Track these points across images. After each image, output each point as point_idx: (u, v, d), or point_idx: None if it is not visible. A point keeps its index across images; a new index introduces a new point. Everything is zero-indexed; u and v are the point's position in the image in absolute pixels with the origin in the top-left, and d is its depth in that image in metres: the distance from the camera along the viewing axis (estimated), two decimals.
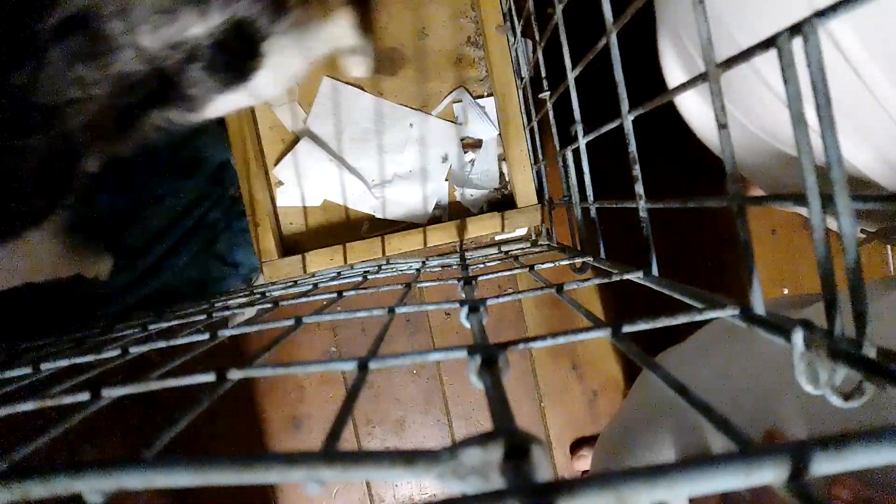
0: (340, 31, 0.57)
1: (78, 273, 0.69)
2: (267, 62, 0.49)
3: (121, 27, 0.40)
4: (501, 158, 0.67)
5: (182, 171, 0.71)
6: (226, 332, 0.27)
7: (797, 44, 0.18)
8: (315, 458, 0.12)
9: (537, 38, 0.49)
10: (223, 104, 0.51)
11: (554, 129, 0.48)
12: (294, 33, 0.50)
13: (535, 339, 0.20)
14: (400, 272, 0.54)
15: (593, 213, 0.42)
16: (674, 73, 0.55)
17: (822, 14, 0.17)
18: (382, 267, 0.58)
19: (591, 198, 0.41)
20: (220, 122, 0.63)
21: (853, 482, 0.33)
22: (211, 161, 0.71)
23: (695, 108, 0.56)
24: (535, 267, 0.36)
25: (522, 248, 0.64)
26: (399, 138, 0.67)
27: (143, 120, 0.48)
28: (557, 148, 0.48)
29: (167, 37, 0.42)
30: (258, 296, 0.52)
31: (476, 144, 0.68)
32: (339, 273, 0.57)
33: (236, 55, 0.47)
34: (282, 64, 0.52)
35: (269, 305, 0.37)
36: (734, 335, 0.56)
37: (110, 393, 0.20)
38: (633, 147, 0.31)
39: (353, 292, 0.37)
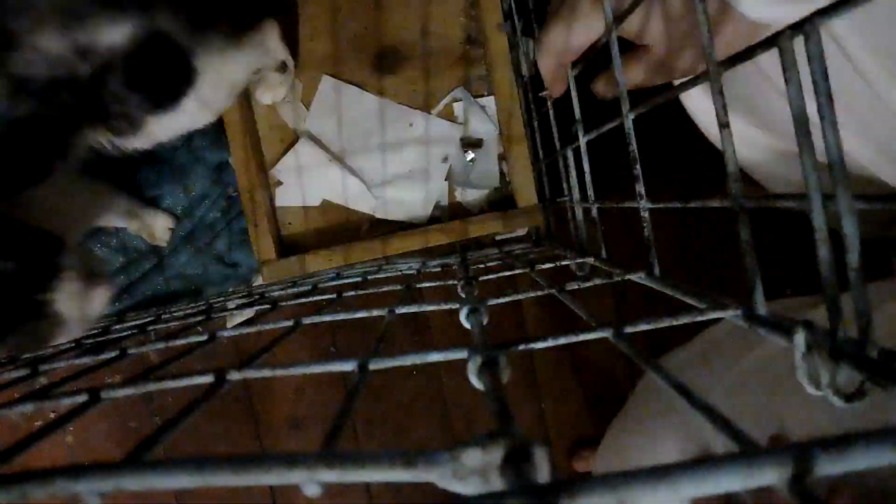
0: (271, 44, 0.56)
1: None
2: (201, 81, 0.47)
3: (22, 25, 0.37)
4: (502, 158, 0.67)
5: (180, 171, 0.71)
6: (224, 333, 0.27)
7: (798, 43, 0.18)
8: (314, 459, 0.12)
9: (538, 36, 0.49)
10: (166, 126, 0.49)
11: (554, 129, 0.48)
12: (226, 50, 0.49)
13: (535, 339, 0.20)
14: (400, 272, 0.54)
15: (594, 212, 0.42)
16: None
17: (823, 13, 0.17)
18: (382, 267, 0.58)
19: (591, 197, 0.41)
20: (219, 122, 0.63)
21: (851, 492, 0.33)
22: (209, 161, 0.71)
23: (700, 105, 0.56)
24: (536, 267, 0.36)
25: (523, 248, 0.64)
26: (399, 138, 0.67)
27: (76, 140, 0.45)
28: (558, 147, 0.48)
29: (74, 42, 0.39)
30: (257, 296, 0.52)
31: (476, 144, 0.68)
32: (338, 273, 0.57)
33: (162, 70, 0.45)
34: (216, 83, 0.50)
35: (267, 306, 0.37)
36: (738, 338, 0.56)
37: (108, 394, 0.20)
38: (633, 146, 0.30)
39: (352, 293, 0.37)
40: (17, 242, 0.44)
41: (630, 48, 0.36)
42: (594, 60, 0.38)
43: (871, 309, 0.17)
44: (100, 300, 0.49)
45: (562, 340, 0.20)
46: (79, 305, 0.46)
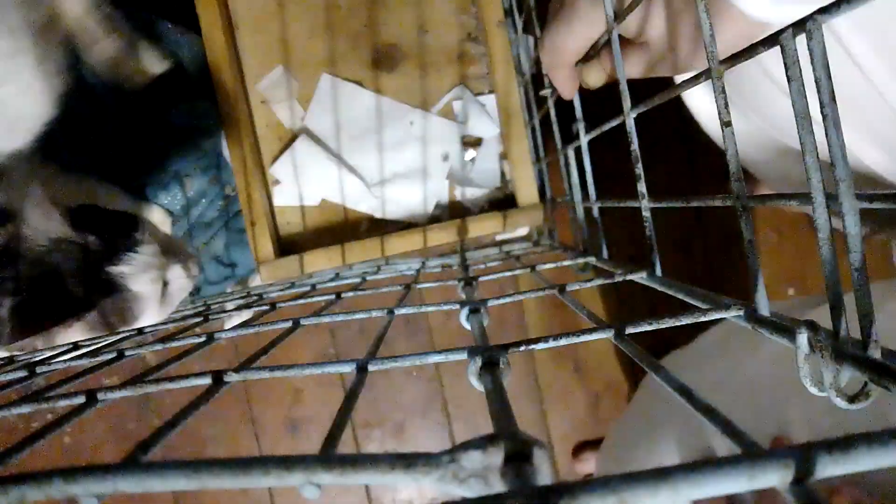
0: None
1: None
2: None
3: None
4: (502, 157, 0.67)
5: (177, 169, 0.71)
6: (222, 335, 0.27)
7: (801, 41, 0.18)
8: (312, 461, 0.12)
9: (539, 34, 0.49)
10: None
11: (555, 127, 0.48)
12: None
13: (536, 340, 0.20)
14: (399, 273, 0.54)
15: (595, 212, 0.41)
16: None
17: (825, 11, 0.17)
18: (382, 267, 0.58)
19: (593, 197, 0.41)
20: (217, 119, 0.63)
21: (852, 491, 0.33)
22: (207, 159, 0.71)
23: (703, 104, 0.56)
24: (537, 267, 0.36)
25: (524, 248, 0.64)
26: (399, 136, 0.67)
27: None
28: (559, 146, 0.48)
29: None
30: (255, 297, 0.52)
31: (476, 143, 0.67)
32: (337, 274, 0.57)
33: None
34: None
35: (266, 307, 0.36)
36: (740, 339, 0.55)
37: (106, 396, 0.20)
38: (635, 145, 0.30)
39: (351, 293, 0.37)
40: (97, 219, 0.44)
41: (627, 42, 0.36)
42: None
43: (873, 309, 0.17)
44: (177, 278, 0.49)
45: (563, 342, 0.20)
46: (155, 281, 0.47)
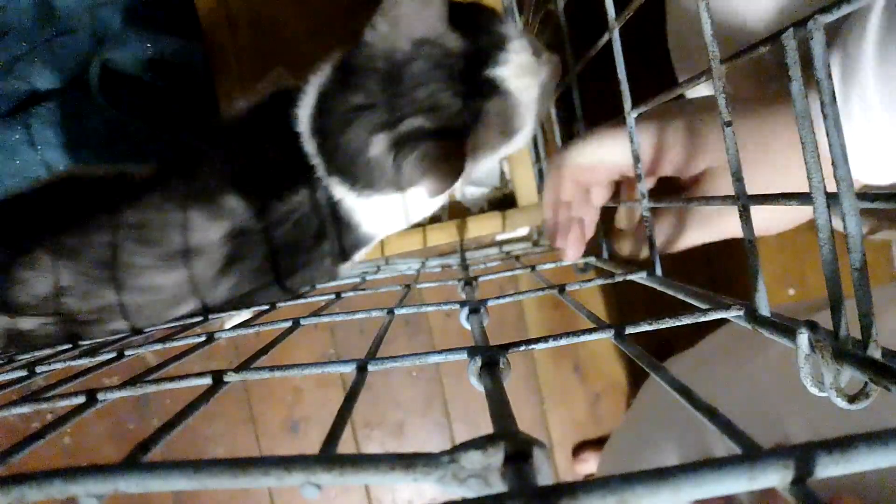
0: None
1: None
2: None
3: None
4: (502, 157, 0.67)
5: None
6: (222, 335, 0.27)
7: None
8: (312, 461, 0.12)
9: (538, 34, 0.49)
10: None
11: (556, 127, 0.48)
12: None
13: (536, 340, 0.20)
14: (399, 273, 0.54)
15: None
16: (684, 67, 0.54)
17: (825, 10, 0.17)
18: (381, 267, 0.58)
19: None
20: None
21: (853, 501, 0.33)
22: None
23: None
24: (537, 267, 0.36)
25: (524, 248, 0.64)
26: None
27: None
28: (559, 146, 0.47)
29: None
30: None
31: None
32: None
33: None
34: None
35: (266, 307, 0.36)
36: (742, 345, 0.55)
37: (106, 396, 0.20)
38: (636, 145, 0.30)
39: (351, 293, 0.37)
40: (458, 15, 0.38)
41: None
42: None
43: (873, 310, 0.17)
44: (547, 77, 0.41)
45: (563, 341, 0.20)
46: (532, 88, 0.40)
